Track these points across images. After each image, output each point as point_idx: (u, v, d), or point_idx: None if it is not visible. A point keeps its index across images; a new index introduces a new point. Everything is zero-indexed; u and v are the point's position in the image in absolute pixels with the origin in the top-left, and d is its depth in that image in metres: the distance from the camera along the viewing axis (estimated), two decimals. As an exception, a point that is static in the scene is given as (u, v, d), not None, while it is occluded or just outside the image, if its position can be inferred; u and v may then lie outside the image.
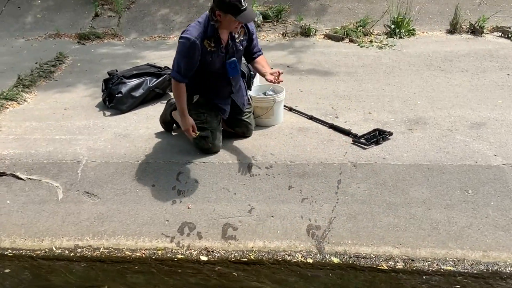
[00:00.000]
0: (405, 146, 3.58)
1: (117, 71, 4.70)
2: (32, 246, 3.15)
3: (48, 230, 3.23)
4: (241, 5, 3.07)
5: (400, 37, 6.02)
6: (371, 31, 6.19)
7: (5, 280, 2.97)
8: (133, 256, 3.06)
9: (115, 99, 4.39)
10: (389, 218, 3.10)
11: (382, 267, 2.88)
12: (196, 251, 3.06)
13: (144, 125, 4.11)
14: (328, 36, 6.21)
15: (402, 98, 4.37)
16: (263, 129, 3.91)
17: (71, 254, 3.10)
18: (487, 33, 5.99)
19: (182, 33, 3.27)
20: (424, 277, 2.80)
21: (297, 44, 6.05)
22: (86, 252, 3.10)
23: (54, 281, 2.96)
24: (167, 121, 3.89)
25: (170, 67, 3.78)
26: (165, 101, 4.16)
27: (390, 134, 3.71)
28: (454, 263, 2.86)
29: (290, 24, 6.57)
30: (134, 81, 4.48)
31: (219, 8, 3.12)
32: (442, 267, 2.84)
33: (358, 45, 5.87)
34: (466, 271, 2.82)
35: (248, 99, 3.79)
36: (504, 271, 2.79)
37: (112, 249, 3.10)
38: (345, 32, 6.12)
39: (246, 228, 3.14)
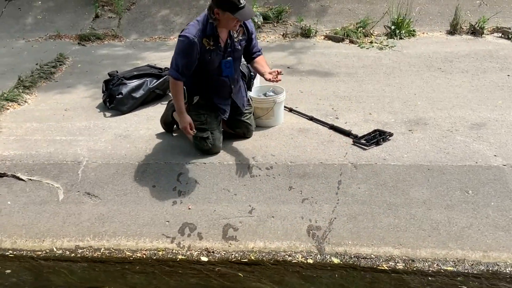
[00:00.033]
0: (405, 147, 3.59)
1: (117, 72, 4.71)
2: (33, 247, 3.16)
3: (49, 231, 3.23)
4: (239, 3, 3.09)
5: (400, 38, 6.02)
6: (371, 32, 6.20)
7: (6, 280, 2.98)
8: (133, 256, 3.06)
9: (116, 100, 4.40)
10: (390, 219, 3.10)
11: (383, 268, 2.88)
12: (197, 252, 3.06)
13: (144, 126, 4.12)
14: (328, 37, 6.22)
15: (402, 99, 4.38)
16: (263, 130, 3.91)
17: (72, 255, 3.10)
18: (487, 34, 6.00)
19: (181, 32, 3.28)
20: (424, 278, 2.81)
21: (297, 45, 6.06)
22: (87, 252, 3.11)
23: (55, 282, 2.97)
24: (168, 122, 3.90)
25: (170, 67, 3.78)
26: (166, 102, 4.18)
27: (391, 134, 3.72)
28: (455, 263, 2.86)
29: (291, 25, 6.58)
30: (135, 82, 4.49)
31: (218, 6, 3.14)
32: (442, 268, 2.85)
33: (358, 46, 5.88)
34: (466, 271, 2.82)
35: (248, 99, 3.80)
36: (504, 271, 2.80)
37: (113, 250, 3.11)
38: (346, 33, 6.13)
39: (246, 229, 3.14)
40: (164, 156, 3.64)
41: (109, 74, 4.69)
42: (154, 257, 3.05)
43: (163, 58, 5.62)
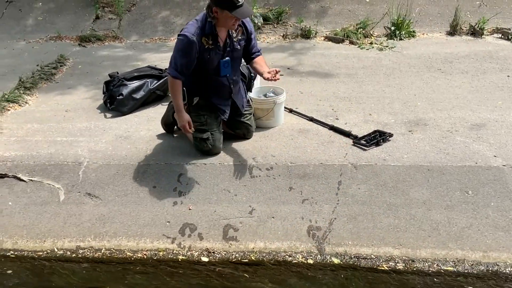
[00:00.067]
0: (405, 148, 3.59)
1: (118, 73, 4.72)
2: (34, 247, 3.17)
3: (50, 232, 3.24)
4: (237, 1, 3.11)
5: (400, 39, 6.03)
6: (371, 33, 6.21)
7: (7, 281, 2.98)
8: (134, 257, 3.07)
9: (116, 101, 4.41)
10: (390, 219, 3.11)
11: (383, 268, 2.89)
12: (197, 252, 3.07)
13: (145, 127, 4.12)
14: (328, 38, 6.23)
15: (402, 100, 4.39)
16: (263, 130, 3.92)
17: (73, 255, 3.11)
18: (487, 35, 6.01)
19: (180, 31, 3.30)
20: (424, 278, 2.82)
21: (297, 46, 6.07)
22: (88, 253, 3.12)
23: (56, 282, 2.97)
24: (168, 123, 3.91)
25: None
26: (166, 103, 4.19)
27: (390, 135, 3.72)
28: (455, 263, 2.87)
29: (291, 26, 6.59)
30: (135, 83, 4.50)
31: (216, 4, 3.16)
32: (442, 268, 2.86)
33: (358, 47, 5.89)
34: (466, 271, 2.83)
35: (248, 100, 3.81)
36: (504, 271, 2.80)
37: (114, 250, 3.11)
38: (345, 34, 6.14)
39: (247, 229, 3.15)
40: (164, 157, 3.65)
41: (110, 75, 4.70)
42: (155, 258, 3.06)
43: (164, 59, 5.62)
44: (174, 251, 3.09)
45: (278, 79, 3.32)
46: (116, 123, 4.24)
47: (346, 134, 3.79)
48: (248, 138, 3.81)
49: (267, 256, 3.01)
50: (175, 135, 3.94)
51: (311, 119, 4.06)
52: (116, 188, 3.46)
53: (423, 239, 2.99)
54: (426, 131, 3.81)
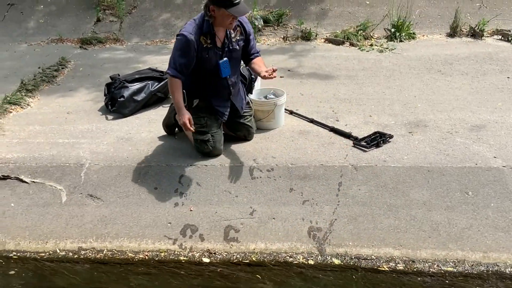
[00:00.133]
0: (405, 149, 3.61)
1: (119, 75, 4.74)
2: (36, 249, 3.18)
3: (52, 233, 3.26)
4: None
5: (401, 41, 6.05)
6: (371, 34, 6.23)
7: (10, 282, 3.00)
8: (136, 258, 3.09)
9: (118, 103, 4.43)
10: (390, 220, 3.12)
11: (383, 268, 2.90)
12: (199, 253, 3.08)
13: (146, 128, 4.14)
14: (328, 40, 6.25)
15: (402, 101, 4.40)
16: (264, 132, 3.94)
17: (75, 256, 3.13)
18: (487, 36, 6.03)
19: (179, 31, 3.33)
20: (424, 278, 2.83)
21: (297, 48, 6.09)
22: (90, 254, 3.13)
23: (58, 283, 2.99)
24: (170, 124, 3.92)
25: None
26: (167, 105, 4.21)
27: (391, 136, 3.74)
28: (455, 264, 2.88)
29: (291, 28, 6.61)
30: (136, 85, 4.52)
31: (213, 2, 3.20)
32: (442, 268, 2.87)
33: (359, 48, 5.91)
34: (466, 272, 2.84)
35: (248, 102, 3.82)
36: (504, 271, 2.82)
37: (115, 251, 3.13)
38: (346, 36, 6.16)
39: (247, 230, 3.17)
40: (165, 158, 3.66)
41: (111, 78, 4.72)
42: (156, 258, 3.08)
43: (164, 62, 5.61)
44: (176, 252, 3.10)
45: (275, 76, 3.34)
46: (117, 125, 4.26)
47: (347, 135, 3.80)
48: (248, 140, 3.82)
49: (268, 257, 3.02)
50: (176, 137, 3.96)
51: (312, 121, 4.08)
52: (118, 189, 3.48)
53: (423, 240, 3.00)
54: (426, 132, 3.82)
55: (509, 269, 2.83)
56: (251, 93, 3.99)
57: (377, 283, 2.83)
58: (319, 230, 3.12)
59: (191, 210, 3.30)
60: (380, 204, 3.22)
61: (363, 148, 3.63)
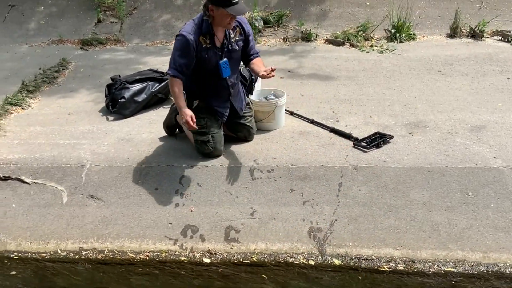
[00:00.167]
0: (405, 149, 3.62)
1: (120, 76, 4.75)
2: (38, 249, 3.19)
3: (53, 233, 3.27)
4: None
5: (401, 41, 6.05)
6: (371, 35, 6.23)
7: (11, 282, 3.01)
8: (137, 258, 3.10)
9: (118, 104, 4.44)
10: (390, 220, 3.13)
11: (383, 269, 2.91)
12: (199, 253, 3.09)
13: (147, 129, 4.15)
14: (328, 41, 6.25)
15: (402, 102, 4.41)
16: (264, 133, 3.95)
17: (76, 257, 3.14)
18: (487, 37, 6.02)
19: (178, 32, 3.36)
20: (425, 278, 2.83)
21: (298, 49, 6.10)
22: (91, 254, 3.14)
23: (59, 284, 3.00)
24: (171, 125, 3.93)
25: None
26: (168, 106, 4.22)
27: (391, 137, 3.74)
28: (455, 264, 2.89)
29: (291, 29, 6.62)
30: (137, 86, 4.53)
31: (212, 2, 3.22)
32: (442, 268, 2.88)
33: (359, 49, 5.91)
34: (466, 272, 2.85)
35: (248, 103, 3.83)
36: (504, 272, 2.82)
37: (116, 252, 3.14)
38: (346, 37, 6.16)
39: (248, 231, 3.17)
40: (166, 159, 3.67)
41: (112, 79, 4.73)
42: (157, 259, 3.08)
43: (165, 63, 5.61)
44: (176, 253, 3.11)
45: (273, 75, 3.35)
46: (118, 125, 4.27)
47: (347, 136, 3.81)
48: (249, 141, 3.83)
49: (268, 257, 3.03)
50: (176, 138, 3.96)
51: (312, 122, 4.08)
52: (119, 190, 3.49)
53: (423, 240, 3.01)
54: (426, 133, 3.83)
55: (509, 269, 2.83)
56: (252, 94, 4.00)
57: (377, 283, 2.84)
58: (319, 231, 3.13)
59: (191, 211, 3.31)
60: (380, 204, 3.22)
61: (363, 149, 3.63)
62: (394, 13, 6.20)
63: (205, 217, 3.27)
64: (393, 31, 6.12)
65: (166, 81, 4.58)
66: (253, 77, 3.97)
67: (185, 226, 3.23)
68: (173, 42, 6.56)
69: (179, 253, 3.10)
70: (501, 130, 3.81)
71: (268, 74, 3.30)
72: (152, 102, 4.60)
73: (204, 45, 3.35)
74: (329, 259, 2.99)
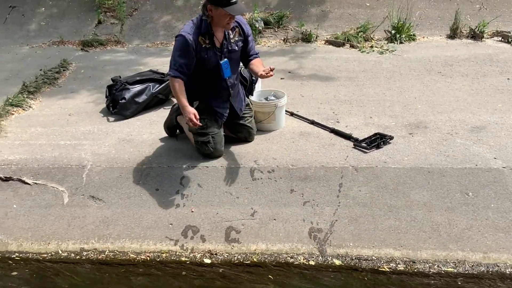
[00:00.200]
0: (405, 150, 3.62)
1: (120, 77, 4.76)
2: (39, 250, 3.20)
3: (54, 234, 3.27)
4: None
5: (401, 42, 6.06)
6: (371, 36, 6.24)
7: (12, 283, 3.01)
8: (137, 259, 3.10)
9: (119, 105, 4.45)
10: (390, 221, 3.14)
11: (384, 269, 2.91)
12: (200, 254, 3.10)
13: (147, 130, 4.16)
14: (329, 42, 6.27)
15: (402, 103, 4.42)
16: (265, 133, 3.95)
17: (77, 257, 3.14)
18: (487, 38, 6.04)
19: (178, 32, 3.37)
20: (425, 279, 2.84)
21: (298, 50, 6.10)
22: (92, 255, 3.15)
23: (60, 284, 3.00)
24: (171, 126, 3.94)
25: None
26: (169, 107, 4.22)
27: (391, 138, 3.75)
28: (455, 264, 2.89)
29: (291, 30, 6.63)
30: (138, 87, 4.54)
31: (211, 2, 3.23)
32: (443, 269, 2.88)
33: (359, 50, 5.92)
34: (466, 272, 2.85)
35: (248, 104, 3.83)
36: (504, 272, 2.83)
37: (117, 252, 3.14)
38: (346, 38, 6.17)
39: (249, 231, 3.18)
40: (167, 160, 3.68)
41: (112, 80, 4.74)
42: (158, 259, 3.09)
43: (165, 64, 5.62)
44: (177, 253, 3.12)
45: (272, 75, 3.35)
46: (119, 126, 4.28)
47: (347, 137, 3.82)
48: (249, 141, 3.84)
49: (269, 258, 3.04)
50: (177, 139, 3.97)
51: (312, 122, 4.09)
52: (120, 190, 3.49)
53: (423, 241, 3.01)
54: (427, 133, 3.84)
55: (509, 270, 2.84)
56: (252, 95, 4.00)
57: (377, 283, 2.84)
58: (319, 231, 3.14)
59: (192, 211, 3.32)
60: (380, 205, 3.23)
61: (363, 150, 3.64)
62: (394, 14, 6.21)
63: (206, 217, 3.27)
64: (393, 32, 6.13)
65: (167, 82, 4.60)
66: (253, 78, 3.97)
67: (186, 226, 3.24)
68: (173, 43, 6.58)
69: (179, 254, 3.11)
70: (501, 131, 3.81)
71: (267, 74, 3.31)
72: (153, 103, 4.61)
73: (203, 45, 3.36)
74: (330, 259, 3.00)
